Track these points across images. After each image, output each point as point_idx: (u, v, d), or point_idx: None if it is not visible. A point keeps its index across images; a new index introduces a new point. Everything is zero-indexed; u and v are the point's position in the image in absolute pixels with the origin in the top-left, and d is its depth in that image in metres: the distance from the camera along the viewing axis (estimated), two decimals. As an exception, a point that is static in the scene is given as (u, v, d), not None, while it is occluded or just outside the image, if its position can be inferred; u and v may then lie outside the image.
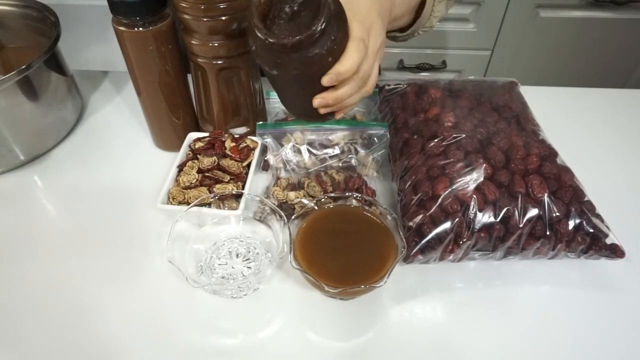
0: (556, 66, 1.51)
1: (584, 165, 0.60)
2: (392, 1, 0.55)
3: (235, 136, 0.69)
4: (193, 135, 0.70)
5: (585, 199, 0.56)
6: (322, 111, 0.53)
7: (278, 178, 0.65)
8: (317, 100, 0.51)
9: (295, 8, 0.48)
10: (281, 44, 0.45)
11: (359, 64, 0.48)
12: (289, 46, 0.45)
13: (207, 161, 0.65)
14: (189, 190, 0.62)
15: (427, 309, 0.55)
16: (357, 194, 0.59)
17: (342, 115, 0.56)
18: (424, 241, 0.53)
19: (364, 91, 0.52)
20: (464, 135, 0.59)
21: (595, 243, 0.55)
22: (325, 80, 0.48)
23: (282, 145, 0.66)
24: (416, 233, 0.54)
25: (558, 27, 1.40)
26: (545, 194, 0.54)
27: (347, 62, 0.47)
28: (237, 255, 0.58)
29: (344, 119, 0.64)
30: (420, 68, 1.51)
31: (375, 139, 0.66)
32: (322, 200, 0.58)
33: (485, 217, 0.53)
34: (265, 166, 0.69)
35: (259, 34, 0.46)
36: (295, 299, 0.55)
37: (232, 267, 0.56)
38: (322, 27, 0.44)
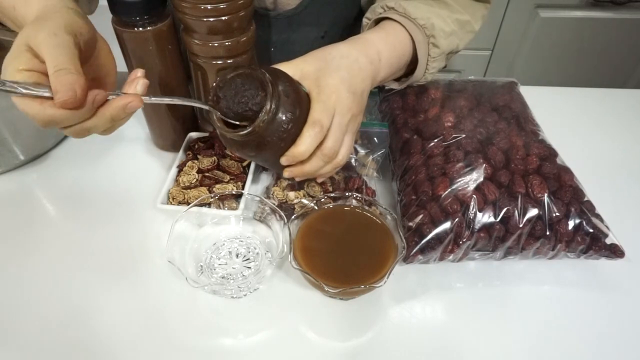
0: (556, 66, 1.51)
1: (584, 165, 0.60)
2: (375, 69, 0.55)
3: (235, 136, 0.69)
4: (193, 135, 0.70)
5: (585, 199, 0.56)
6: (296, 179, 0.54)
7: (278, 178, 0.65)
8: (287, 173, 0.52)
9: (244, 87, 0.49)
10: (227, 137, 0.49)
11: (315, 144, 0.49)
12: (237, 141, 0.48)
13: (207, 161, 0.65)
14: (188, 190, 0.62)
15: (427, 309, 0.55)
16: (357, 194, 0.59)
17: (322, 179, 0.57)
18: (423, 241, 0.53)
19: (335, 163, 0.52)
20: (464, 135, 0.59)
21: (595, 243, 0.55)
22: (283, 161, 0.50)
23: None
24: (416, 233, 0.54)
25: (558, 27, 1.40)
26: (545, 194, 0.54)
27: (301, 146, 0.48)
28: (237, 255, 0.58)
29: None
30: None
31: (375, 139, 0.66)
32: (322, 200, 0.58)
33: (485, 217, 0.53)
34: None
35: (212, 123, 0.49)
36: (295, 299, 0.55)
37: (232, 267, 0.56)
38: (263, 125, 0.46)
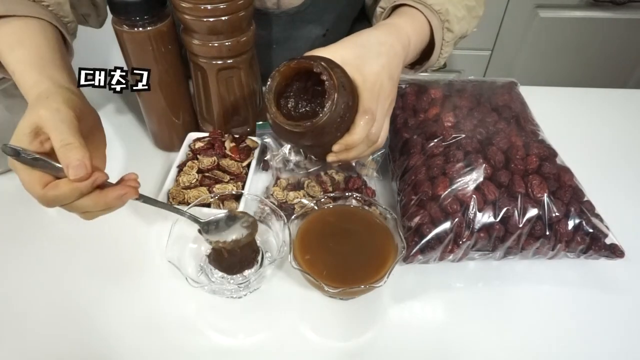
0: (556, 66, 1.51)
1: (584, 165, 0.60)
2: (406, 54, 0.57)
3: (235, 136, 0.69)
4: (193, 135, 0.70)
5: (585, 199, 0.56)
6: (334, 165, 0.57)
7: (278, 178, 0.65)
8: (331, 159, 0.55)
9: (307, 94, 0.54)
10: (289, 130, 0.50)
11: (367, 132, 0.52)
12: (297, 132, 0.50)
13: (207, 161, 0.65)
14: (189, 190, 0.62)
15: (427, 309, 0.55)
16: (357, 194, 0.59)
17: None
18: (423, 241, 0.53)
19: (375, 146, 0.56)
20: (463, 135, 0.59)
21: (594, 243, 0.55)
22: (336, 149, 0.53)
23: (282, 145, 0.66)
24: (416, 233, 0.54)
25: (558, 27, 1.40)
26: (545, 194, 0.54)
27: (355, 135, 0.51)
28: (237, 255, 0.58)
29: None
30: (420, 68, 1.51)
31: (375, 139, 0.66)
32: (322, 200, 0.58)
33: (485, 217, 0.53)
34: (265, 166, 0.69)
35: (271, 117, 0.51)
36: (295, 299, 0.55)
37: (232, 267, 0.56)
38: (326, 118, 0.48)
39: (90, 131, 0.47)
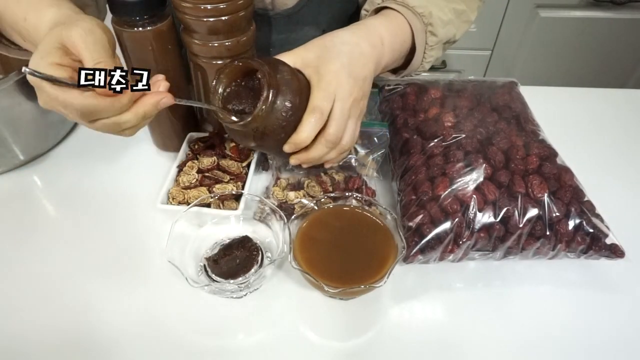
0: (556, 66, 1.51)
1: (584, 165, 0.60)
2: (378, 54, 0.56)
3: (235, 136, 0.69)
4: (193, 135, 0.70)
5: (585, 199, 0.56)
6: (303, 166, 0.55)
7: (278, 178, 0.65)
8: (293, 160, 0.53)
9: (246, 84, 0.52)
10: (233, 129, 0.50)
11: (316, 131, 0.50)
12: (241, 131, 0.49)
13: (207, 161, 0.65)
14: (188, 190, 0.62)
15: (427, 309, 0.55)
16: (357, 194, 0.59)
17: (330, 165, 0.57)
18: (423, 241, 0.53)
19: (340, 148, 0.53)
20: (463, 135, 0.59)
21: (595, 243, 0.55)
22: (286, 148, 0.51)
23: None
24: (416, 233, 0.54)
25: (558, 27, 1.40)
26: (545, 194, 0.54)
27: (302, 133, 0.49)
28: (237, 255, 0.58)
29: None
30: (420, 68, 1.51)
31: (375, 139, 0.66)
32: (322, 200, 0.58)
33: (485, 217, 0.53)
34: (265, 166, 0.69)
35: (216, 116, 0.51)
36: (295, 299, 0.55)
37: (232, 267, 0.56)
38: (262, 114, 0.47)
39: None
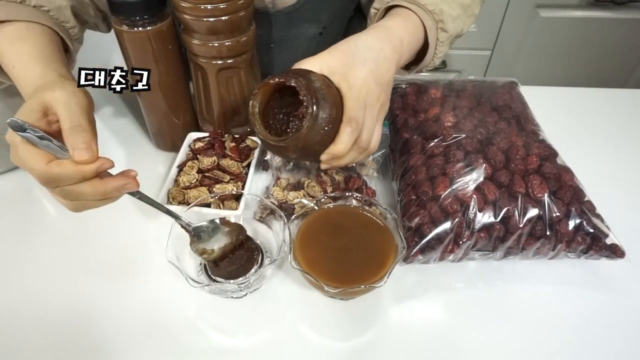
0: (556, 66, 1.51)
1: (584, 165, 0.60)
2: (399, 57, 0.56)
3: (235, 136, 0.69)
4: (193, 135, 0.70)
5: (586, 199, 0.56)
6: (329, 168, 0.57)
7: (278, 178, 0.65)
8: (324, 166, 0.55)
9: (294, 107, 0.54)
10: (271, 144, 0.52)
11: (353, 141, 0.52)
12: (282, 146, 0.51)
13: (207, 161, 0.65)
14: (189, 190, 0.62)
15: (427, 309, 0.55)
16: (357, 194, 0.59)
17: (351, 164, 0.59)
18: (424, 241, 0.53)
19: (368, 152, 0.55)
20: (464, 135, 0.59)
21: (595, 243, 0.55)
22: (323, 158, 0.53)
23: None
24: (416, 233, 0.54)
25: (558, 27, 1.40)
26: (545, 194, 0.54)
27: (340, 145, 0.51)
28: (237, 255, 0.58)
29: None
30: (420, 68, 1.51)
31: (375, 139, 0.66)
32: (322, 200, 0.58)
33: (485, 217, 0.53)
34: (265, 166, 0.69)
35: (257, 133, 0.52)
36: (295, 299, 0.55)
37: (232, 267, 0.56)
38: (306, 132, 0.49)
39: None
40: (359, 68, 0.52)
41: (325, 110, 0.49)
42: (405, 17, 0.59)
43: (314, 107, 0.48)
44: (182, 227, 0.52)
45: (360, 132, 0.52)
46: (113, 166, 0.43)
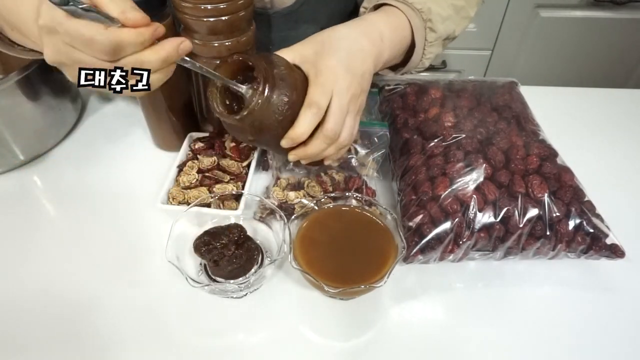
0: (556, 66, 1.51)
1: (584, 165, 0.60)
2: (378, 50, 0.55)
3: (235, 136, 0.69)
4: (193, 135, 0.70)
5: (586, 199, 0.56)
6: (302, 162, 0.55)
7: (278, 178, 0.65)
8: (291, 157, 0.53)
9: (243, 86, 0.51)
10: (230, 123, 0.50)
11: (313, 126, 0.50)
12: (237, 126, 0.49)
13: (207, 161, 0.65)
14: (189, 190, 0.62)
15: (427, 309, 0.55)
16: (357, 194, 0.59)
17: (329, 162, 0.57)
18: (424, 241, 0.53)
19: (338, 144, 0.53)
20: (464, 135, 0.59)
21: (595, 243, 0.55)
22: (284, 143, 0.51)
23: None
24: (416, 233, 0.54)
25: (558, 27, 1.40)
26: (545, 194, 0.54)
27: (298, 128, 0.49)
28: (237, 255, 0.58)
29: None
30: (420, 68, 1.51)
31: (375, 138, 0.66)
32: (322, 200, 0.58)
33: (485, 217, 0.53)
34: (265, 166, 0.69)
35: (212, 110, 0.51)
36: (295, 299, 0.55)
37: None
38: (257, 108, 0.47)
39: None
40: (329, 56, 0.51)
41: (283, 91, 0.48)
42: (390, 13, 0.59)
43: (266, 85, 0.47)
44: (233, 88, 0.50)
45: (325, 120, 0.50)
46: (164, 31, 0.42)
